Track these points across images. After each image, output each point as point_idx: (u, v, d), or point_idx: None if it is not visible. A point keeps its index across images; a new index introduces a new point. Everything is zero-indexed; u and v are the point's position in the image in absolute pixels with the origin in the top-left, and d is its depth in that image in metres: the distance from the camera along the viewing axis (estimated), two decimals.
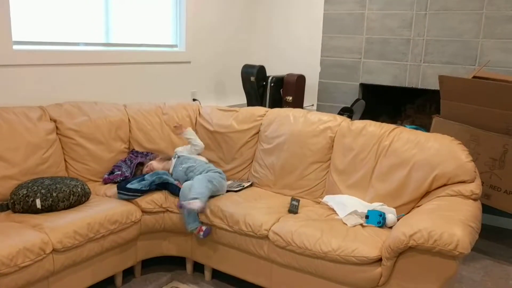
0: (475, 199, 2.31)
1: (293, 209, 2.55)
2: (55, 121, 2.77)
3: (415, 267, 1.99)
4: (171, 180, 2.75)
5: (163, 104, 3.30)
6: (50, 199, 2.33)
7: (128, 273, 2.71)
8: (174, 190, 2.68)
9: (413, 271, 2.00)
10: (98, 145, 2.89)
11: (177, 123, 3.05)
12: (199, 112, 3.30)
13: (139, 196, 2.60)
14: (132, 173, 2.83)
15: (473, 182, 2.36)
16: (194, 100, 4.10)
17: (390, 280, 2.06)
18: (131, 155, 2.99)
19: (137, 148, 3.08)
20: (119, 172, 2.83)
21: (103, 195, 2.69)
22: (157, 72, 3.75)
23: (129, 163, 2.90)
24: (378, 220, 2.34)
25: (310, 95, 4.41)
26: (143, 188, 2.62)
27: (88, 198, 2.54)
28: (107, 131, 2.95)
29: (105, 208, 2.44)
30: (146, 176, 2.72)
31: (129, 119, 3.10)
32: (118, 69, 3.43)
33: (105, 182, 2.82)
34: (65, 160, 2.79)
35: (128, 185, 2.62)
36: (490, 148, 3.01)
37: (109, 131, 2.96)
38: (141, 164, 2.89)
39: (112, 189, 2.72)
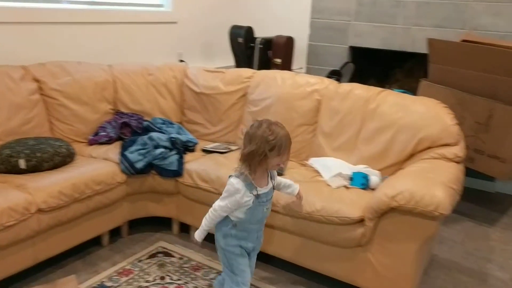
0: (458, 162, 2.34)
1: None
2: (38, 81, 2.72)
3: (396, 227, 2.03)
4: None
5: (149, 64, 3.25)
6: (34, 160, 2.32)
7: (115, 233, 2.74)
8: (164, 173, 2.62)
9: (394, 231, 2.04)
10: (82, 106, 2.85)
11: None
12: (185, 73, 3.26)
13: (133, 174, 2.57)
14: (117, 134, 2.81)
15: (457, 145, 2.38)
16: (181, 61, 4.04)
17: (372, 240, 2.11)
18: (116, 116, 2.96)
19: (122, 109, 3.05)
20: (104, 133, 2.81)
21: (89, 156, 2.67)
22: (142, 33, 3.67)
23: (114, 124, 2.87)
24: (362, 182, 2.36)
25: (299, 57, 4.36)
26: (141, 161, 2.58)
27: (73, 159, 2.53)
28: (92, 91, 2.90)
29: (90, 168, 2.43)
30: (145, 139, 2.67)
31: (114, 80, 3.05)
32: (103, 28, 3.35)
33: (90, 143, 2.80)
34: (49, 121, 2.76)
35: (127, 153, 2.59)
36: (475, 112, 3.03)
37: (94, 91, 2.92)
38: (126, 124, 2.87)
39: (98, 150, 2.71)
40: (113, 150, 2.69)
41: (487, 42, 3.08)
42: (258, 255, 2.09)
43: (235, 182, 1.81)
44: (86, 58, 3.18)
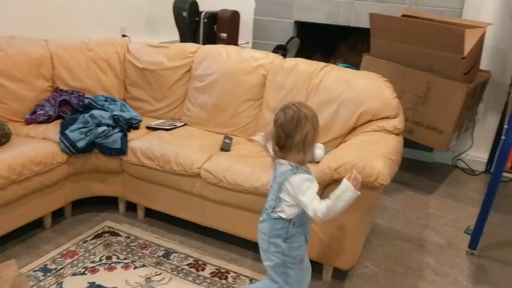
0: (397, 134, 2.43)
1: (225, 147, 2.57)
2: None
3: None
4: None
5: (89, 39, 3.12)
6: None
7: (58, 214, 2.66)
8: (108, 152, 2.55)
9: None
10: (18, 83, 2.71)
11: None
12: (128, 49, 3.16)
13: (74, 153, 2.48)
14: (56, 112, 2.70)
15: (396, 117, 2.46)
16: (123, 36, 3.91)
17: None
18: (55, 93, 2.84)
19: (61, 87, 2.92)
20: (42, 112, 2.70)
21: (26, 135, 2.56)
22: (82, 6, 3.51)
23: (53, 102, 2.75)
24: None
25: (245, 32, 4.32)
26: (82, 139, 2.50)
27: (8, 139, 2.41)
28: (27, 68, 2.76)
29: (28, 149, 2.33)
30: (87, 117, 2.58)
31: (51, 56, 2.91)
32: (37, 1, 3.17)
33: (28, 122, 2.68)
34: None
35: (67, 132, 2.49)
36: (415, 85, 3.14)
37: (30, 68, 2.77)
38: (65, 101, 2.76)
39: (36, 129, 2.60)
40: (52, 129, 2.58)
41: (425, 18, 3.17)
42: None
43: (305, 177, 1.66)
44: (20, 33, 3.00)
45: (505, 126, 2.44)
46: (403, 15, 3.24)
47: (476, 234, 2.56)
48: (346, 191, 1.62)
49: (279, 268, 1.77)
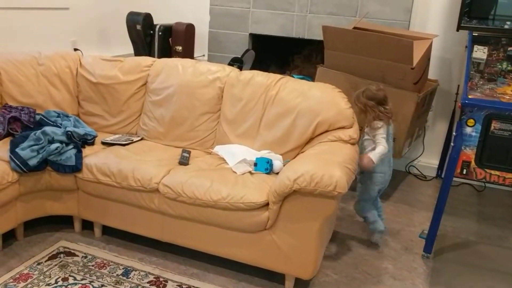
0: (352, 144, 2.49)
1: (183, 161, 2.55)
2: None
3: (299, 208, 2.12)
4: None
5: (39, 53, 3.02)
6: None
7: (9, 236, 2.54)
8: (61, 169, 2.48)
9: (297, 212, 2.13)
10: None
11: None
12: (80, 63, 3.09)
13: (26, 172, 2.39)
14: (6, 130, 2.60)
15: (351, 127, 2.52)
16: (75, 49, 3.81)
17: (276, 222, 2.18)
18: (3, 110, 2.72)
19: (10, 103, 2.81)
20: None
21: None
22: (31, 19, 3.40)
23: (1, 119, 2.64)
24: (265, 167, 2.42)
25: (201, 45, 4.32)
26: (34, 157, 2.41)
27: None
28: None
29: None
30: (38, 134, 2.49)
31: None
32: None
33: None
34: None
35: (18, 150, 2.39)
36: None
37: None
38: (15, 118, 2.65)
39: None
40: (1, 147, 2.48)
41: (376, 29, 3.28)
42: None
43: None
44: None
45: (454, 133, 2.55)
46: (355, 27, 3.34)
47: (430, 238, 2.65)
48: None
49: (369, 187, 2.72)
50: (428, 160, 3.95)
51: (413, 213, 3.25)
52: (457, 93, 3.68)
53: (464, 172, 2.50)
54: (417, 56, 2.96)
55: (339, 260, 2.60)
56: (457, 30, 2.94)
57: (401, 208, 3.33)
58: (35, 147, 2.44)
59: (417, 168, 3.98)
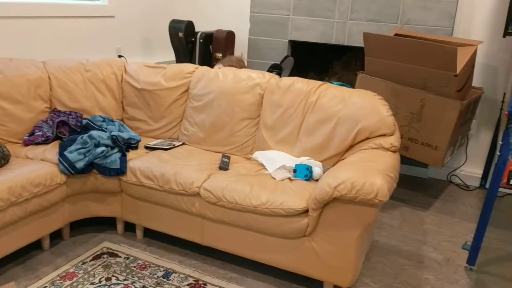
0: (394, 151, 2.46)
1: (223, 166, 2.58)
2: None
3: (338, 216, 2.11)
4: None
5: (86, 60, 3.14)
6: None
7: (56, 236, 2.65)
8: (106, 172, 2.56)
9: (337, 219, 2.12)
10: (16, 105, 2.72)
11: None
12: (125, 69, 3.19)
13: (73, 174, 2.49)
14: (54, 133, 2.71)
15: (392, 135, 2.49)
16: (120, 56, 3.94)
17: (316, 229, 2.18)
18: (52, 114, 2.84)
19: (59, 108, 2.94)
20: (40, 133, 2.70)
21: (24, 157, 2.56)
22: (78, 27, 3.54)
23: (50, 123, 2.76)
24: (305, 173, 2.43)
25: (240, 52, 4.38)
26: (81, 160, 2.50)
27: (7, 161, 2.41)
28: (25, 89, 2.77)
29: (27, 170, 2.33)
30: (85, 138, 2.58)
31: (49, 77, 2.93)
32: (35, 23, 3.20)
33: (26, 143, 2.68)
34: None
35: (66, 153, 2.50)
36: (409, 103, 3.18)
37: (28, 89, 2.79)
38: (63, 122, 2.77)
39: (34, 150, 2.60)
40: (50, 150, 2.59)
41: (417, 36, 3.24)
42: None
43: None
44: (18, 55, 3.03)
45: (500, 142, 2.48)
46: (396, 34, 3.30)
47: (474, 250, 2.58)
48: None
49: None
50: (471, 169, 3.85)
51: (455, 224, 3.17)
52: (503, 101, 3.58)
53: (511, 182, 2.42)
54: (461, 63, 2.90)
55: (378, 269, 2.57)
56: (504, 36, 2.88)
57: (443, 218, 3.25)
58: (82, 150, 2.54)
59: (459, 178, 3.88)
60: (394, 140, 2.47)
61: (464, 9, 3.56)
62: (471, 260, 2.60)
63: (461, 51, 2.94)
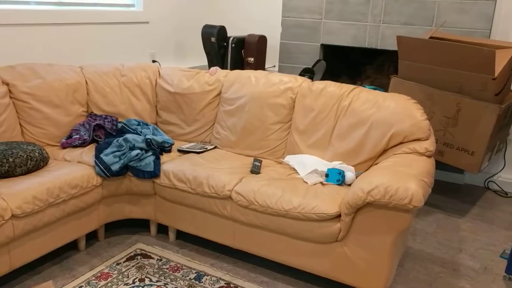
0: (429, 156, 2.41)
1: (255, 170, 2.59)
2: (7, 84, 2.66)
3: (372, 221, 2.08)
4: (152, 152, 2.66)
5: (121, 65, 3.22)
6: (7, 165, 2.27)
7: (91, 236, 2.71)
8: (141, 174, 2.60)
9: (370, 225, 2.09)
10: (54, 109, 2.81)
11: None
12: (159, 73, 3.25)
13: (109, 177, 2.55)
14: (90, 136, 2.78)
15: (427, 139, 2.45)
16: (153, 61, 4.01)
17: (348, 234, 2.15)
18: (89, 118, 2.92)
19: (95, 111, 3.01)
20: (77, 136, 2.78)
21: (62, 159, 2.64)
22: (113, 33, 3.63)
23: (87, 127, 2.84)
24: (337, 178, 2.41)
25: (272, 56, 4.40)
26: (116, 163, 2.56)
27: (46, 163, 2.49)
28: (63, 94, 2.86)
29: (64, 172, 2.40)
30: (120, 141, 2.64)
31: (86, 81, 3.01)
32: (73, 29, 3.30)
33: (63, 146, 2.76)
34: (20, 125, 2.71)
35: (102, 155, 2.56)
36: (444, 107, 3.12)
37: (66, 94, 2.87)
38: (99, 126, 2.84)
39: (72, 153, 2.68)
40: (87, 153, 2.66)
41: (453, 39, 3.17)
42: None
43: None
44: (57, 60, 3.13)
45: None
46: (431, 37, 3.24)
47: None
48: None
49: None
50: (509, 175, 3.73)
51: (493, 231, 3.08)
52: None
53: None
54: (499, 66, 2.82)
55: (412, 276, 2.52)
56: None
57: (480, 225, 3.16)
58: (118, 153, 2.59)
59: (497, 184, 3.77)
60: (429, 145, 2.42)
61: (502, 10, 3.46)
62: (510, 269, 2.52)
63: (500, 53, 2.86)
